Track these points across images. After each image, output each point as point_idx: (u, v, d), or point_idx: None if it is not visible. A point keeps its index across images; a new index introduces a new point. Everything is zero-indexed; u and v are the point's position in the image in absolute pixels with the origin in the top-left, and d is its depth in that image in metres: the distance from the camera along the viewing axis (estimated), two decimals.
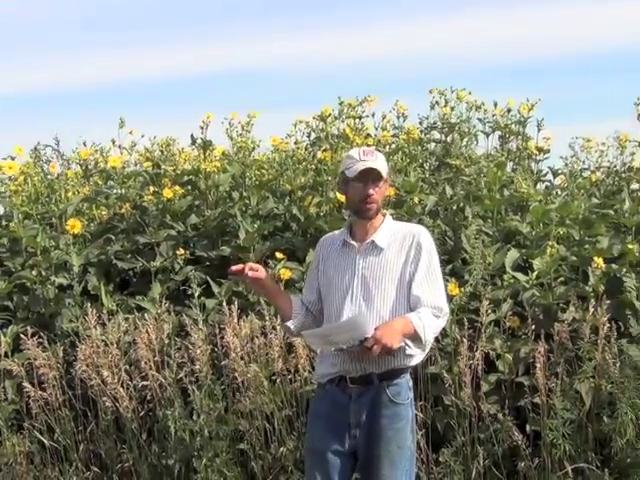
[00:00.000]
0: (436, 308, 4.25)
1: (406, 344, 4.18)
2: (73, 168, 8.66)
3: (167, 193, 6.95)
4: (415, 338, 4.17)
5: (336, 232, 4.60)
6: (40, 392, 6.05)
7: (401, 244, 4.35)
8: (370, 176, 4.31)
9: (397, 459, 4.31)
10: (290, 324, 4.56)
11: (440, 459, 5.72)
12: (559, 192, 7.43)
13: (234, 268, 4.41)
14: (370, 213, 4.38)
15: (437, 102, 8.13)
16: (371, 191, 4.31)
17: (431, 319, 4.22)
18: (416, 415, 5.46)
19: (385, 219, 4.45)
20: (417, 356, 4.32)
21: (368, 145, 6.89)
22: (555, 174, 7.82)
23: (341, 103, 7.68)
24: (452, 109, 7.98)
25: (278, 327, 5.86)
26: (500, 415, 5.76)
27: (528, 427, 5.76)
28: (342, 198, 5.39)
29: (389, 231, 4.39)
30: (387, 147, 7.37)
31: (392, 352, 4.10)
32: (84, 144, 8.21)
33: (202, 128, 7.38)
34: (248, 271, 4.37)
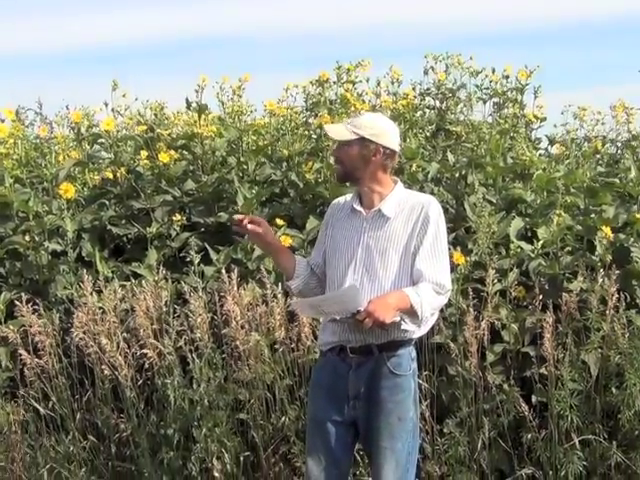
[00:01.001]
0: (438, 284, 4.16)
1: (402, 319, 4.10)
2: (56, 131, 8.49)
3: (163, 157, 6.80)
4: (411, 313, 4.09)
5: (347, 196, 4.50)
6: (36, 360, 5.93)
7: (408, 215, 4.25)
8: (333, 139, 4.40)
9: (397, 431, 4.25)
10: (291, 283, 4.48)
11: (444, 430, 5.67)
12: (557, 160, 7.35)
13: (236, 216, 4.34)
14: (336, 175, 4.47)
15: (432, 67, 8.03)
16: (332, 155, 4.48)
17: (431, 295, 4.13)
18: (420, 386, 5.45)
19: (395, 187, 4.35)
20: (419, 329, 4.25)
21: (366, 110, 6.79)
22: (552, 142, 7.74)
23: (339, 68, 7.57)
24: (447, 74, 7.89)
25: (279, 295, 5.77)
26: (506, 386, 5.70)
27: (534, 398, 5.70)
28: None
29: (397, 200, 4.29)
30: (387, 113, 7.23)
31: (385, 326, 4.02)
32: (67, 107, 8.06)
33: (197, 91, 7.22)
34: (248, 223, 4.27)
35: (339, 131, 4.34)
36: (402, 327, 4.13)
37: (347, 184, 5.68)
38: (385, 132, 4.31)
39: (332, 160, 4.49)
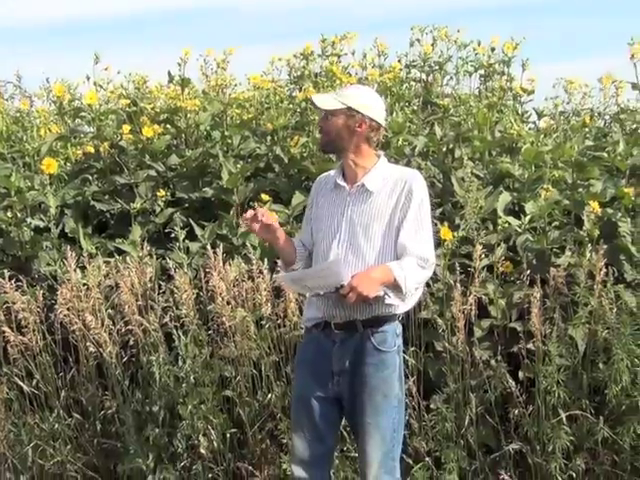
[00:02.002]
0: (422, 259, 4.15)
1: (386, 293, 4.09)
2: (37, 104, 8.39)
3: (147, 132, 6.72)
4: (395, 288, 4.08)
5: (331, 172, 4.51)
6: (20, 337, 5.87)
7: (392, 189, 4.24)
8: (316, 107, 4.38)
9: (382, 408, 4.26)
10: (295, 267, 4.47)
11: (431, 406, 5.65)
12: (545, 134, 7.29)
13: (248, 215, 4.29)
14: (321, 145, 4.48)
15: (418, 40, 7.96)
16: (318, 125, 4.43)
17: (415, 269, 4.12)
18: (407, 361, 5.44)
19: (379, 161, 4.35)
20: (404, 304, 4.23)
21: (351, 83, 6.73)
22: (540, 115, 7.68)
23: (324, 40, 7.50)
24: (433, 47, 7.83)
25: (265, 271, 5.73)
26: (493, 361, 5.68)
27: (521, 374, 5.67)
28: None
29: (381, 174, 4.29)
30: (374, 86, 7.16)
31: (368, 300, 4.03)
32: (47, 80, 7.97)
33: (180, 65, 7.16)
34: (262, 217, 4.25)
35: (326, 100, 4.34)
36: (386, 302, 4.13)
37: (332, 158, 5.68)
38: (372, 104, 4.31)
39: (317, 131, 4.47)
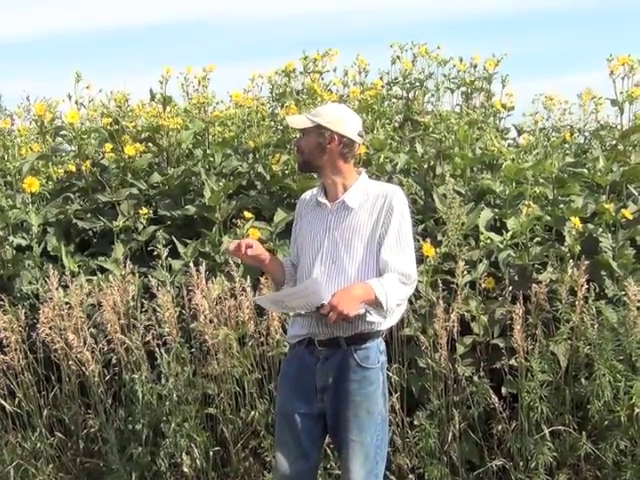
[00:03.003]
0: (404, 275, 4.16)
1: (367, 311, 4.09)
2: (17, 123, 8.38)
3: (129, 150, 6.73)
4: (376, 305, 4.08)
5: (314, 190, 4.50)
6: (1, 356, 5.85)
7: (373, 205, 4.25)
8: (293, 128, 4.61)
9: (366, 424, 4.26)
10: (287, 287, 4.49)
11: (415, 422, 5.64)
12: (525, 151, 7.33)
13: (232, 247, 4.28)
14: (298, 163, 4.52)
15: (398, 57, 8.00)
16: (296, 143, 4.47)
17: (396, 286, 4.12)
18: (390, 378, 5.44)
19: (359, 178, 4.35)
20: (386, 321, 4.24)
21: (332, 101, 6.76)
22: (520, 132, 7.73)
23: (306, 58, 7.52)
24: (414, 64, 7.86)
25: (248, 288, 5.73)
26: (476, 378, 5.68)
27: (504, 390, 5.68)
28: None
29: (361, 191, 4.30)
30: (355, 103, 7.19)
31: (349, 319, 4.01)
32: (27, 99, 7.96)
33: (161, 83, 7.17)
34: (247, 250, 4.25)
35: (298, 120, 4.39)
36: (367, 319, 4.13)
37: (314, 176, 5.69)
38: (342, 120, 4.30)
39: (295, 151, 4.51)
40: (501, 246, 6.01)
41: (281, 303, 4.30)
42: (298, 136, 4.45)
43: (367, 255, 4.21)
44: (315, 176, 5.71)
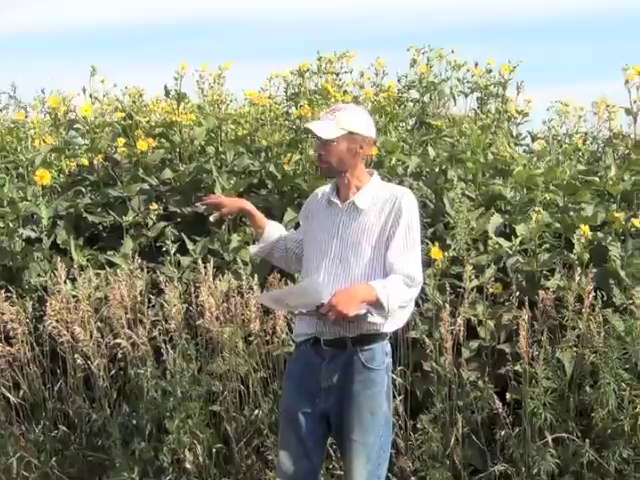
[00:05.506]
0: (408, 277, 4.14)
1: (369, 311, 4.07)
2: (31, 115, 8.41)
3: (142, 145, 6.74)
4: (378, 306, 4.06)
5: (326, 188, 4.49)
6: (8, 347, 5.87)
7: (382, 207, 4.24)
8: (316, 136, 4.31)
9: (370, 426, 4.24)
10: (251, 247, 4.72)
11: (418, 426, 5.63)
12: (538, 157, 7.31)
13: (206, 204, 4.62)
14: (322, 172, 4.44)
15: (415, 60, 7.99)
16: (316, 152, 4.36)
17: (400, 288, 4.11)
18: (395, 381, 5.43)
19: (371, 179, 4.35)
20: (392, 323, 4.23)
21: (345, 102, 6.75)
22: (534, 138, 7.72)
23: (320, 58, 7.52)
24: (430, 67, 7.85)
25: (255, 287, 5.74)
26: (480, 382, 5.67)
27: (508, 395, 5.67)
28: None
29: (371, 192, 4.29)
30: (368, 105, 7.18)
31: (348, 319, 4.01)
32: (42, 92, 7.99)
33: (176, 79, 7.17)
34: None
35: (325, 129, 4.26)
36: (369, 320, 4.11)
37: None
38: (366, 122, 4.34)
39: (316, 157, 4.45)
40: (510, 252, 6.01)
41: (281, 301, 4.35)
42: (319, 142, 4.32)
43: (374, 256, 4.20)
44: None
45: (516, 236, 6.00)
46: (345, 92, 7.47)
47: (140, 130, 7.05)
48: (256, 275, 5.80)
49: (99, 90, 7.21)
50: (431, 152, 6.64)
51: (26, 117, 8.05)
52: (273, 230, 4.62)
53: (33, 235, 6.57)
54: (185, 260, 6.20)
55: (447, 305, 5.55)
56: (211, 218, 4.65)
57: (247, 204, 4.67)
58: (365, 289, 4.05)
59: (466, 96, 7.84)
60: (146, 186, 6.83)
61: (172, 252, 6.01)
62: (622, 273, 5.85)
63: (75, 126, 7.25)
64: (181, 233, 6.32)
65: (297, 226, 4.97)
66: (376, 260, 4.20)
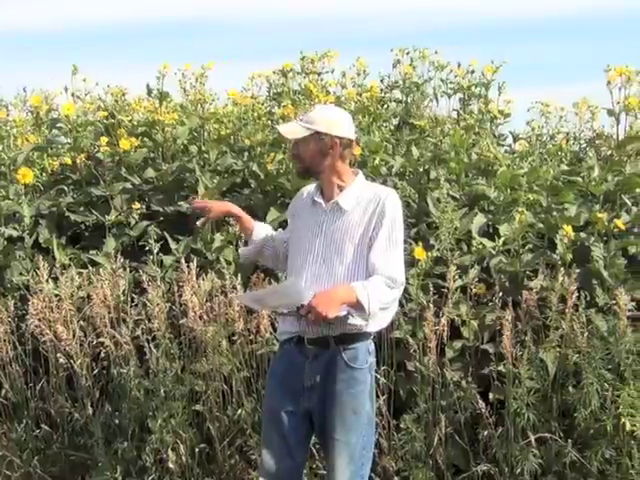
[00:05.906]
0: (390, 278, 4.15)
1: (349, 313, 4.09)
2: (13, 114, 8.36)
3: (124, 144, 6.71)
4: (358, 308, 4.07)
5: (311, 187, 4.50)
6: None
7: (365, 207, 4.26)
8: (288, 138, 4.45)
9: (352, 425, 4.25)
10: (241, 250, 4.74)
11: (401, 425, 5.63)
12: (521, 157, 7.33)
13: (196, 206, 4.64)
14: (298, 172, 4.47)
15: (399, 61, 7.99)
16: (290, 152, 4.53)
17: (381, 289, 4.12)
18: (378, 380, 5.43)
19: (356, 179, 4.36)
20: (376, 323, 4.24)
21: (326, 102, 6.74)
22: (516, 139, 7.74)
23: (303, 58, 7.51)
24: (414, 68, 7.85)
25: (239, 286, 5.73)
26: (464, 382, 5.68)
27: (492, 395, 5.69)
28: None
29: (356, 192, 4.30)
30: (351, 105, 7.17)
31: (328, 321, 4.01)
32: (24, 90, 7.94)
33: (158, 78, 7.17)
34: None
35: (292, 129, 4.34)
36: (349, 321, 4.12)
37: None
38: (338, 122, 4.32)
39: (290, 157, 4.48)
40: (493, 252, 6.02)
41: (262, 301, 4.35)
42: (292, 143, 4.40)
43: (357, 257, 4.21)
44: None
45: (499, 236, 6.02)
46: (327, 92, 7.46)
47: (123, 129, 7.02)
48: (239, 274, 5.79)
49: (81, 89, 7.18)
50: (415, 152, 6.64)
51: (8, 115, 7.99)
52: (262, 230, 4.64)
53: (15, 234, 6.52)
54: (168, 259, 6.18)
55: (431, 305, 5.56)
56: (198, 223, 4.66)
57: (234, 208, 4.66)
58: (346, 291, 4.05)
59: (449, 97, 7.85)
60: (129, 185, 6.81)
61: (155, 251, 5.98)
62: (605, 273, 5.87)
63: (57, 125, 7.21)
64: (164, 232, 6.29)
65: (280, 225, 4.98)
66: (359, 261, 4.21)
